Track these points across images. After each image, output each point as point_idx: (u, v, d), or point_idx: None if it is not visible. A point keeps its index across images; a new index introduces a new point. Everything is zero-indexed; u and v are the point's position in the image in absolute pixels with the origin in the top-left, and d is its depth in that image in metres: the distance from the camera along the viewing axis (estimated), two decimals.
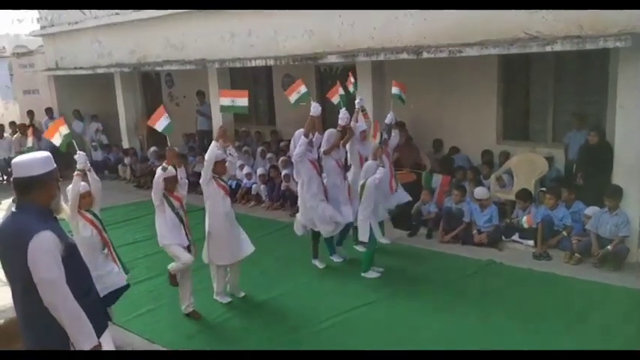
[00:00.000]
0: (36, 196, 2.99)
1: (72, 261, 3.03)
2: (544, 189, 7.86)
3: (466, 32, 7.31)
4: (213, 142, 5.77)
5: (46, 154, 3.12)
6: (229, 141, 6.11)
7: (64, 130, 5.56)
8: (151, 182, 11.55)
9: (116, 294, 5.22)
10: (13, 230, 2.95)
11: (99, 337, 3.11)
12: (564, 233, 7.10)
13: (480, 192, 7.70)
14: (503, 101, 9.32)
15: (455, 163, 9.22)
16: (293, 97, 6.76)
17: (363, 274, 6.61)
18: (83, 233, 4.97)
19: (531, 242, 7.22)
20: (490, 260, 6.93)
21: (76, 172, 5.07)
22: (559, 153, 8.64)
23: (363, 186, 6.36)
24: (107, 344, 3.22)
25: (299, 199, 6.85)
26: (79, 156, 5.22)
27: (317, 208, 6.62)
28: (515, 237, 7.44)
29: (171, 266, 5.73)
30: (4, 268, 3.06)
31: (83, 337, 2.98)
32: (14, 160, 3.06)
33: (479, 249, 7.36)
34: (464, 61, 8.24)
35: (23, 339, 3.10)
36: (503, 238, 7.49)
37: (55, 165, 3.11)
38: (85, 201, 5.01)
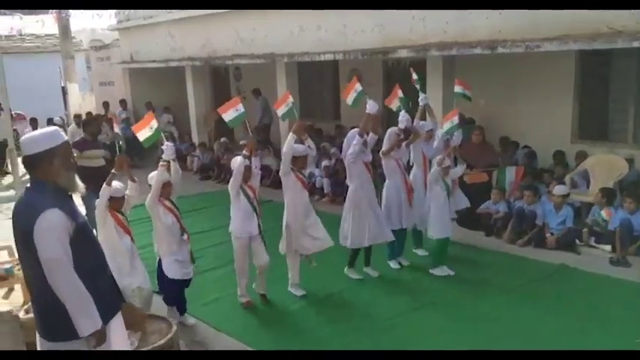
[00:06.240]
0: (43, 174, 2.91)
1: (83, 240, 2.98)
2: None
3: (543, 26, 6.98)
4: (291, 134, 5.73)
5: (52, 129, 3.01)
6: (306, 133, 6.02)
7: (154, 125, 5.39)
8: (219, 174, 12.02)
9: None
10: (23, 210, 2.93)
11: (109, 320, 3.05)
12: None
13: (559, 189, 7.42)
14: (580, 98, 8.89)
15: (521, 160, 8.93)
16: (350, 98, 6.36)
17: (431, 271, 6.57)
18: (164, 220, 5.19)
19: (608, 247, 6.86)
20: (562, 264, 6.64)
21: (161, 162, 5.21)
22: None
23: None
24: (117, 328, 3.14)
25: (345, 209, 6.31)
26: (167, 147, 5.28)
27: (369, 214, 6.21)
28: (591, 241, 7.09)
29: (241, 295, 5.90)
30: (17, 250, 3.02)
31: (85, 320, 2.89)
32: (22, 139, 3.02)
33: (550, 252, 7.06)
34: (538, 56, 7.91)
35: (36, 324, 3.06)
36: (577, 241, 7.15)
37: (63, 139, 2.99)
38: (165, 190, 5.20)
